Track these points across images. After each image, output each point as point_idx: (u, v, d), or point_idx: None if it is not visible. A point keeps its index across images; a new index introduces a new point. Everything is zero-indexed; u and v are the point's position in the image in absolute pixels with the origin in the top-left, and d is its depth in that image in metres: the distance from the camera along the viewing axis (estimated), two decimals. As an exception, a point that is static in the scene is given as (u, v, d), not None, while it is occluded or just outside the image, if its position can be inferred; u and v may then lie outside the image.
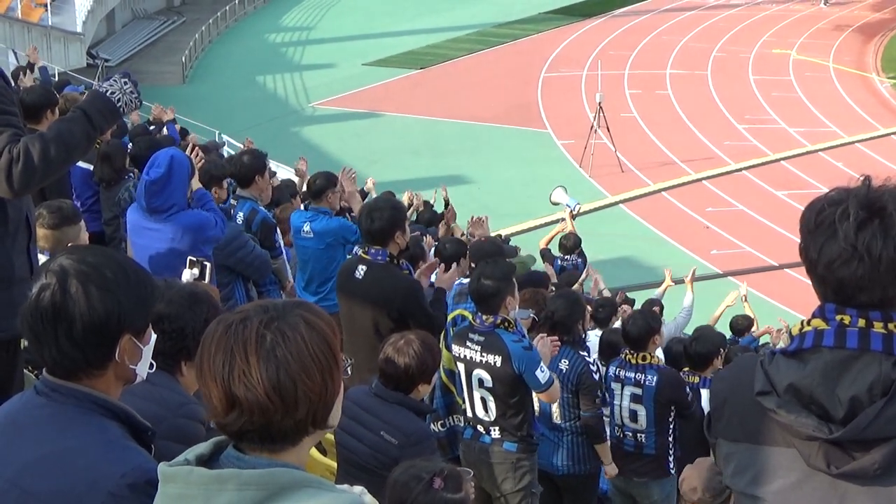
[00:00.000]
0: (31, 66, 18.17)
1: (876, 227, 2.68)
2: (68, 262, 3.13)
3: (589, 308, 10.66)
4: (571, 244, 17.91)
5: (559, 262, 17.45)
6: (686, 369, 9.67)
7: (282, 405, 2.50)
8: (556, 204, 21.48)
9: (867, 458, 2.66)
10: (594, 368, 8.52)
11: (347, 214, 10.72)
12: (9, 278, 4.94)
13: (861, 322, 2.72)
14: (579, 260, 18.00)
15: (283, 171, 20.93)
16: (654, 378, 8.70)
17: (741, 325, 15.23)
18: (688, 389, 8.85)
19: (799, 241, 2.83)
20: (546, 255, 17.59)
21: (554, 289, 12.53)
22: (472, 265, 8.58)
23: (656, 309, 12.91)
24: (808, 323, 2.81)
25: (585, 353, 8.61)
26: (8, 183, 4.80)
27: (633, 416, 8.82)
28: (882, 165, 33.36)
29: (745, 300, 16.56)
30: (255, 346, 2.50)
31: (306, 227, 9.67)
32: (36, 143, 4.85)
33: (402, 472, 4.58)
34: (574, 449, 8.55)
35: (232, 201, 9.33)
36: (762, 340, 15.46)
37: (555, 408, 8.46)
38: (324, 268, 9.59)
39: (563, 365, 8.38)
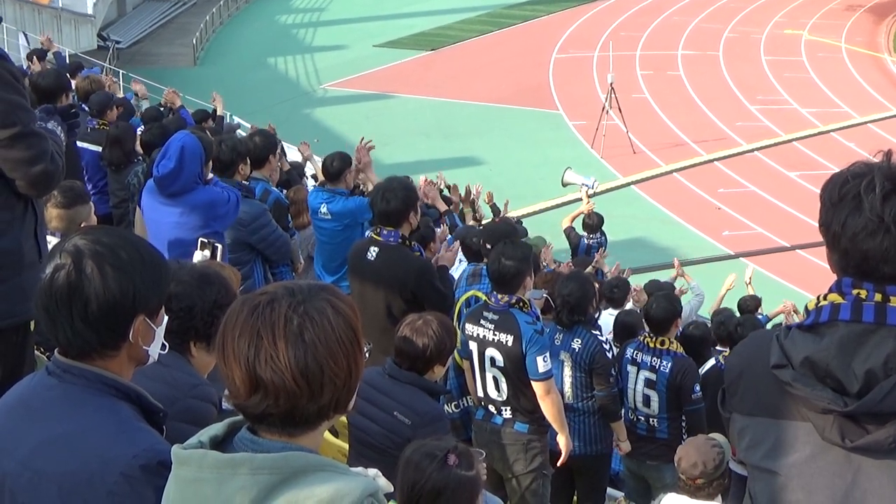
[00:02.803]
0: (43, 52, 18.17)
1: None
2: (83, 243, 3.12)
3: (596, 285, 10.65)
4: (595, 223, 17.97)
5: (585, 240, 17.54)
6: (728, 352, 9.71)
7: (308, 390, 2.50)
8: (566, 185, 21.40)
9: (882, 432, 2.66)
10: (607, 347, 8.54)
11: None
12: (19, 264, 4.97)
13: (878, 296, 2.72)
14: (603, 238, 18.06)
15: (294, 153, 20.91)
16: (669, 364, 8.69)
17: (749, 305, 15.19)
18: (697, 387, 8.82)
19: (819, 214, 2.81)
20: (571, 234, 17.62)
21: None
22: (488, 246, 8.55)
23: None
24: (825, 297, 2.80)
25: (598, 333, 8.62)
26: (41, 189, 5.06)
27: (647, 400, 8.82)
28: (894, 145, 33.19)
29: (751, 283, 16.51)
30: (283, 330, 2.49)
31: (323, 209, 9.65)
32: (56, 156, 5.01)
33: (414, 451, 4.56)
34: (587, 430, 8.56)
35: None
36: (775, 321, 15.40)
37: (567, 387, 8.47)
38: (342, 248, 9.56)
39: (576, 344, 8.42)
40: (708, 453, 6.38)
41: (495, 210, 17.77)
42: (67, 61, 20.12)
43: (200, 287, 4.39)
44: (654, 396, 8.76)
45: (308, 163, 16.35)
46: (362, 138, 10.65)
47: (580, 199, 19.59)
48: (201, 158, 7.55)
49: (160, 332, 3.27)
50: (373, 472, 2.72)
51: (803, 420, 2.79)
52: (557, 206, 26.84)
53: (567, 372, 8.49)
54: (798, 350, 2.76)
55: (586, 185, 19.85)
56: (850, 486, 2.75)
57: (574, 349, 8.43)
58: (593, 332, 8.54)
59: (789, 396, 2.79)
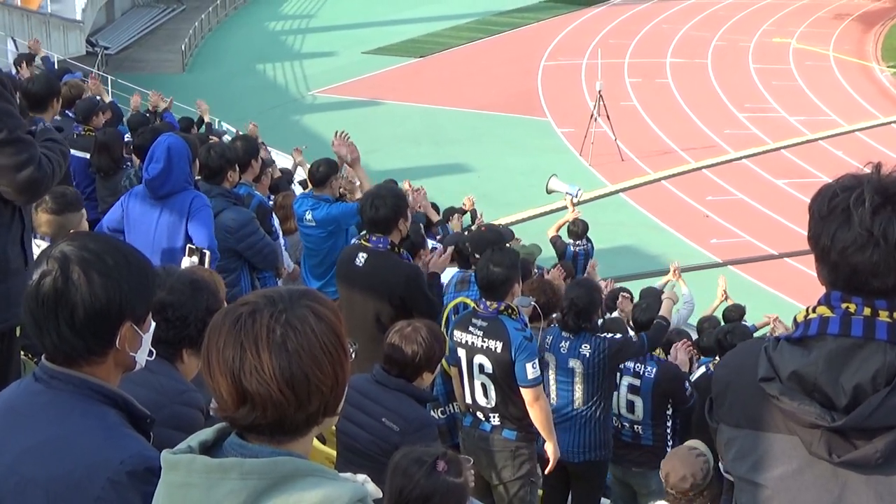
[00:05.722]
0: (31, 56, 18.14)
1: (890, 212, 2.66)
2: (70, 249, 3.12)
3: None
4: (581, 230, 18.01)
5: (571, 248, 17.58)
6: (717, 360, 9.73)
7: (295, 399, 2.49)
8: (551, 192, 21.41)
9: (869, 447, 2.66)
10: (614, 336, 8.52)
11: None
12: (4, 270, 4.96)
13: (866, 310, 2.71)
14: (589, 245, 18.09)
15: (282, 159, 20.91)
16: (654, 370, 8.69)
17: (734, 315, 15.26)
18: (687, 384, 8.84)
19: (808, 227, 2.80)
20: (557, 242, 17.65)
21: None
22: (476, 255, 8.55)
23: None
24: (814, 310, 2.79)
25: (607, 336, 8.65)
26: (28, 196, 5.04)
27: (631, 406, 8.82)
28: (882, 154, 33.27)
29: (726, 295, 16.54)
30: (266, 341, 2.48)
31: (308, 216, 9.66)
32: (50, 164, 5.00)
33: (402, 457, 4.57)
34: (592, 436, 8.47)
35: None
36: (762, 332, 15.44)
37: (578, 394, 8.40)
38: (327, 255, 9.59)
39: (585, 350, 8.34)
40: (694, 464, 6.36)
41: (473, 216, 17.82)
42: (56, 66, 20.07)
43: (193, 294, 4.40)
44: (639, 402, 8.76)
45: (299, 168, 16.39)
46: (336, 131, 10.61)
47: (566, 208, 19.63)
48: (188, 158, 7.57)
49: (147, 338, 3.27)
50: (361, 477, 2.71)
51: (790, 433, 2.79)
52: (546, 213, 26.83)
53: (577, 380, 8.44)
54: (786, 363, 2.76)
55: (570, 194, 19.88)
56: (836, 500, 2.75)
57: (584, 355, 8.34)
58: (599, 335, 8.50)
59: (776, 409, 2.79)
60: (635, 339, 8.63)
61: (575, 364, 8.38)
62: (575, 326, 8.41)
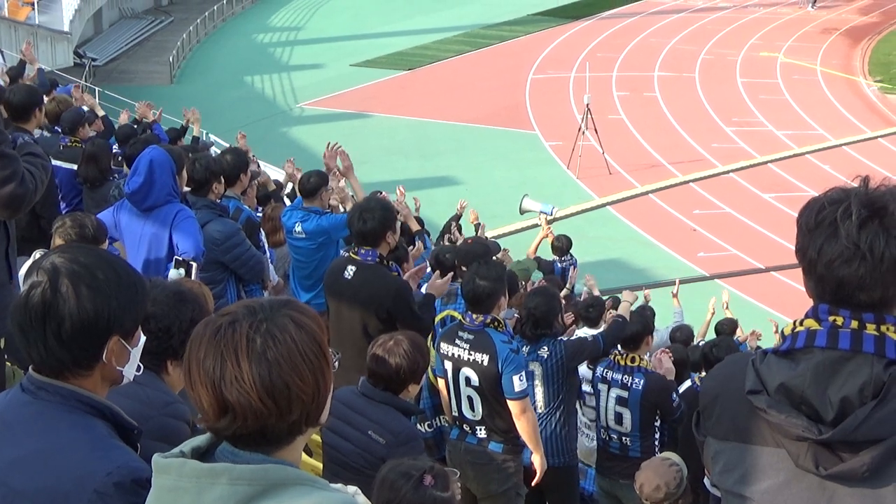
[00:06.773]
0: (22, 64, 18.06)
1: (877, 226, 2.67)
2: (60, 261, 3.12)
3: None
4: (564, 245, 18.03)
5: (558, 264, 17.58)
6: (703, 375, 9.76)
7: (276, 409, 2.49)
8: (524, 213, 21.37)
9: (856, 460, 2.66)
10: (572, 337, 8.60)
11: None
12: None
13: (854, 323, 2.72)
14: (574, 260, 18.13)
15: (270, 172, 20.89)
16: (641, 382, 8.72)
17: (725, 329, 15.32)
18: (675, 396, 8.87)
19: (796, 240, 2.81)
20: (541, 262, 17.68)
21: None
22: (463, 268, 8.57)
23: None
24: (801, 323, 2.80)
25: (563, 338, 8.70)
26: (10, 211, 5.01)
27: (619, 418, 8.83)
28: (869, 168, 33.36)
29: (727, 307, 16.64)
30: (245, 350, 2.48)
31: (298, 228, 9.66)
32: (33, 179, 4.98)
33: (389, 470, 4.56)
34: (553, 441, 8.52)
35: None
36: (745, 347, 15.53)
37: (539, 396, 8.46)
38: (317, 267, 9.59)
39: (544, 352, 8.44)
40: (667, 473, 6.41)
41: (478, 229, 17.83)
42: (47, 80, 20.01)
43: (176, 306, 4.38)
44: (626, 414, 8.78)
45: (290, 183, 16.37)
46: (329, 143, 10.59)
47: (549, 224, 19.62)
48: (172, 170, 7.54)
49: (136, 352, 3.26)
50: (352, 489, 2.71)
51: (777, 446, 2.79)
52: (533, 226, 26.85)
53: (537, 382, 8.49)
54: (773, 376, 2.76)
55: (544, 213, 19.87)
56: None
57: (542, 357, 8.44)
58: (560, 338, 8.61)
59: (764, 422, 2.79)
60: (590, 339, 8.71)
61: (534, 366, 8.45)
62: (532, 335, 8.48)
